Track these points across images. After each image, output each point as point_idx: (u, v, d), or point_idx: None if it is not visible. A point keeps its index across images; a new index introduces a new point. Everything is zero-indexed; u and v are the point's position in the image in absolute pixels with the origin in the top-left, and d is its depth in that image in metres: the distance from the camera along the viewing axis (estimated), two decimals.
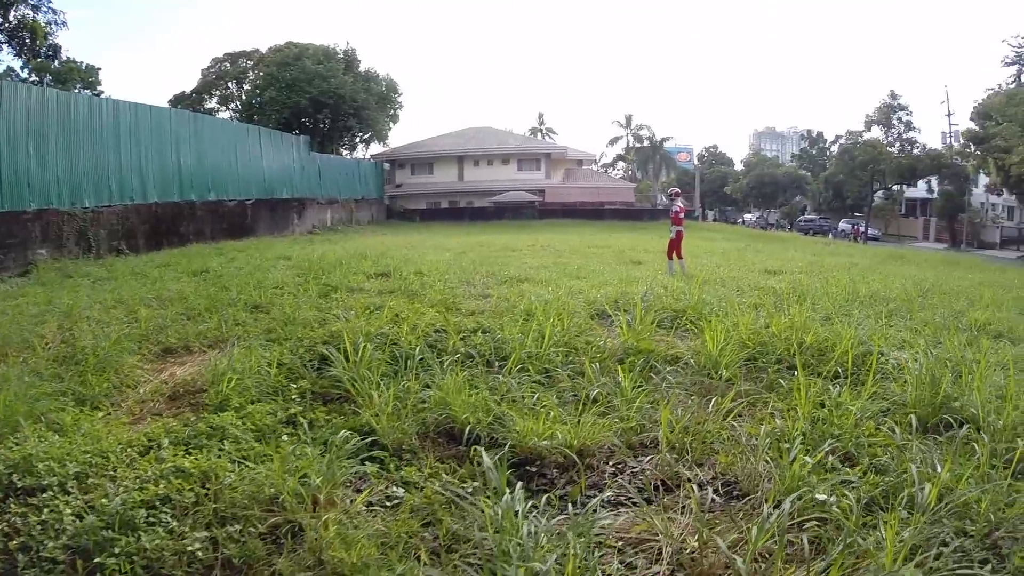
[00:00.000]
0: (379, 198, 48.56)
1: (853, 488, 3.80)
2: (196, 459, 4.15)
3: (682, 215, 15.60)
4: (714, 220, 73.53)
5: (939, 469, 3.87)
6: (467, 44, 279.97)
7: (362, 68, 49.12)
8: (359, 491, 4.10)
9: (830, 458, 4.21)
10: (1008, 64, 32.81)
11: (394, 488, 4.19)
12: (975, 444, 4.30)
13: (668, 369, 6.15)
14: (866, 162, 52.49)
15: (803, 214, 75.72)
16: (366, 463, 4.41)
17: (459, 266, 13.82)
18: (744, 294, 10.78)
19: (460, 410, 4.95)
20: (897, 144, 53.58)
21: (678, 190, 16.31)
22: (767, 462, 4.16)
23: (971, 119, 47.78)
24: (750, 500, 3.85)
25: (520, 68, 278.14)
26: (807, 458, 3.96)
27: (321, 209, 36.35)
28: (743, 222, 72.47)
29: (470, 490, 4.00)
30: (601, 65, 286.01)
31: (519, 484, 3.84)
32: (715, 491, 4.03)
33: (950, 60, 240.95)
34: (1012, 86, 33.23)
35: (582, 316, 8.33)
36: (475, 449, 4.40)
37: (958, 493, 3.63)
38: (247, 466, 4.13)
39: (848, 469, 4.16)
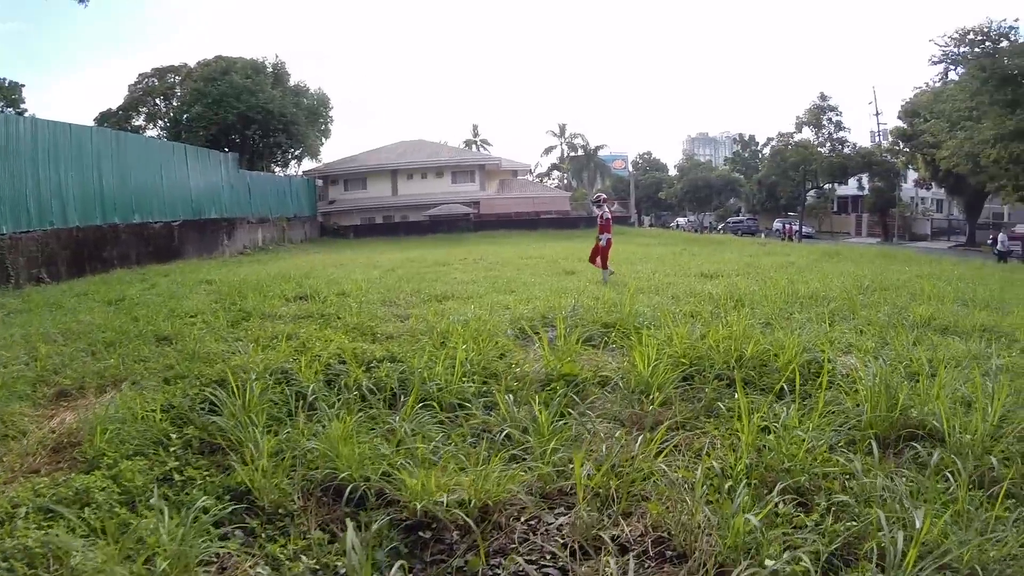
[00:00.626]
0: (312, 215, 47.32)
1: (810, 541, 3.13)
2: (47, 533, 3.41)
3: (599, 222, 14.87)
4: (650, 225, 74.00)
5: (907, 505, 3.23)
6: (400, 58, 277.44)
7: (292, 82, 47.94)
8: (223, 570, 3.38)
9: (780, 504, 3.53)
10: (935, 63, 33.35)
11: (260, 569, 3.38)
12: (947, 471, 3.69)
13: (591, 398, 5.47)
14: (798, 162, 53.53)
15: (736, 215, 77.54)
16: (237, 532, 3.68)
17: (385, 285, 13.26)
18: (680, 302, 10.22)
19: (345, 463, 4.15)
20: (828, 144, 54.90)
21: (604, 195, 15.50)
22: (706, 510, 3.46)
23: (899, 117, 50.28)
24: (687, 566, 3.13)
25: (454, 81, 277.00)
26: (750, 516, 3.25)
27: (252, 229, 34.99)
28: (677, 226, 73.15)
29: (343, 571, 3.27)
30: (535, 76, 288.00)
31: (397, 564, 3.06)
32: (644, 552, 3.31)
33: (877, 63, 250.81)
34: (939, 85, 34.26)
35: (506, 336, 7.71)
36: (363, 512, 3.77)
37: (936, 545, 2.98)
38: (98, 542, 3.37)
39: (802, 515, 3.49)
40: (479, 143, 80.00)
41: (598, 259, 14.48)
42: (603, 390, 5.65)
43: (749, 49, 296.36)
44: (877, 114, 56.90)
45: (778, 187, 60.02)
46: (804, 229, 55.19)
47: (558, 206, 55.74)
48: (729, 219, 73.12)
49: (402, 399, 5.46)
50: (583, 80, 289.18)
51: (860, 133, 58.01)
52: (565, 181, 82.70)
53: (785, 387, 5.42)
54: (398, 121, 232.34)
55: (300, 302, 10.95)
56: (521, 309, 9.42)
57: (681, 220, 77.25)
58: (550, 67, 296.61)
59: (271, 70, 46.53)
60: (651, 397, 5.29)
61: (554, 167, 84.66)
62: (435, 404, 5.25)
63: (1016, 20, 30.07)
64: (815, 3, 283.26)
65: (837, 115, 54.53)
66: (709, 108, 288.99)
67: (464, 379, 5.74)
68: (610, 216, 15.19)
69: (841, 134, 54.85)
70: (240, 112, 41.91)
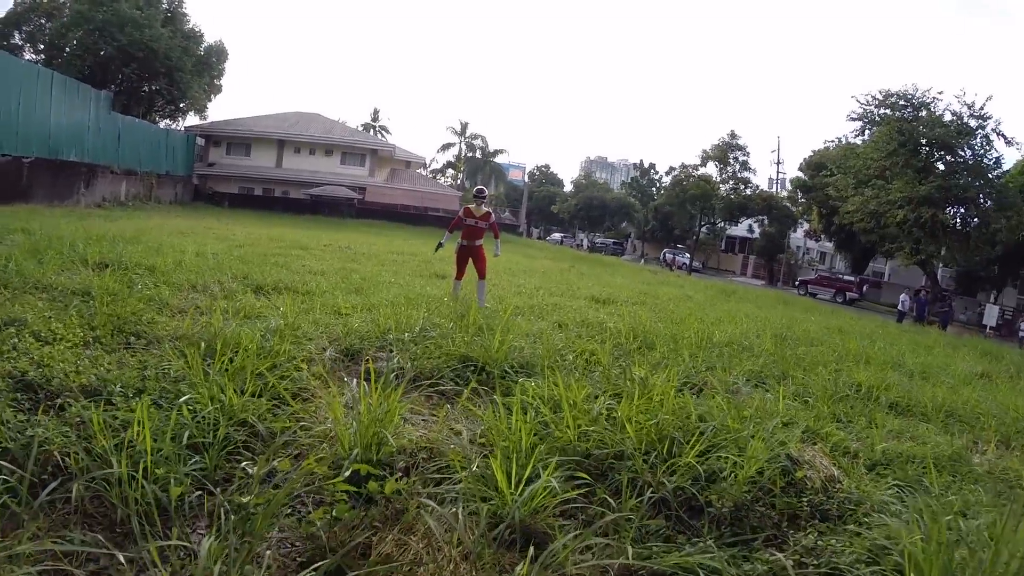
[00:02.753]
0: (187, 175, 43.15)
1: None
2: None
3: (481, 224, 10.30)
4: (537, 238, 72.93)
5: None
6: (316, 29, 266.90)
7: (189, 26, 43.17)
8: None
9: None
10: (853, 119, 33.57)
11: None
12: None
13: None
14: (698, 196, 53.33)
15: (627, 239, 78.51)
16: None
17: (213, 264, 11.03)
18: (568, 332, 7.94)
19: None
20: (731, 182, 54.97)
21: (484, 190, 11.59)
22: None
23: (800, 169, 50.99)
24: None
25: (364, 61, 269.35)
26: None
27: (116, 180, 30.93)
28: (542, 237, 72.85)
29: None
30: (444, 71, 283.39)
31: None
32: None
33: (779, 117, 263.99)
34: (855, 140, 34.88)
35: (324, 357, 5.54)
36: None
37: None
38: None
39: None
40: (378, 128, 76.42)
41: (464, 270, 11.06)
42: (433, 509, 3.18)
43: (655, 83, 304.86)
44: (778, 163, 58.06)
45: (673, 217, 59.83)
46: (691, 262, 55.37)
47: (447, 204, 53.42)
48: (596, 239, 73.59)
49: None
50: (492, 84, 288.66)
51: (759, 179, 59.91)
52: (459, 180, 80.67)
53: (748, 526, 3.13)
54: (302, 93, 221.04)
55: (99, 270, 8.95)
56: (356, 321, 6.92)
57: (556, 235, 76.65)
58: (461, 65, 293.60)
59: (165, 6, 41.69)
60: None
61: (449, 165, 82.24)
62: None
63: (940, 93, 31.43)
64: (723, 49, 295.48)
65: (744, 155, 54.66)
66: (610, 134, 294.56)
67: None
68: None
69: (745, 174, 55.05)
70: (121, 46, 37.02)
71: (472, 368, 5.53)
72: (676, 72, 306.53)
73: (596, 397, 4.77)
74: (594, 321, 9.17)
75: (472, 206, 10.23)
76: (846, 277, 45.41)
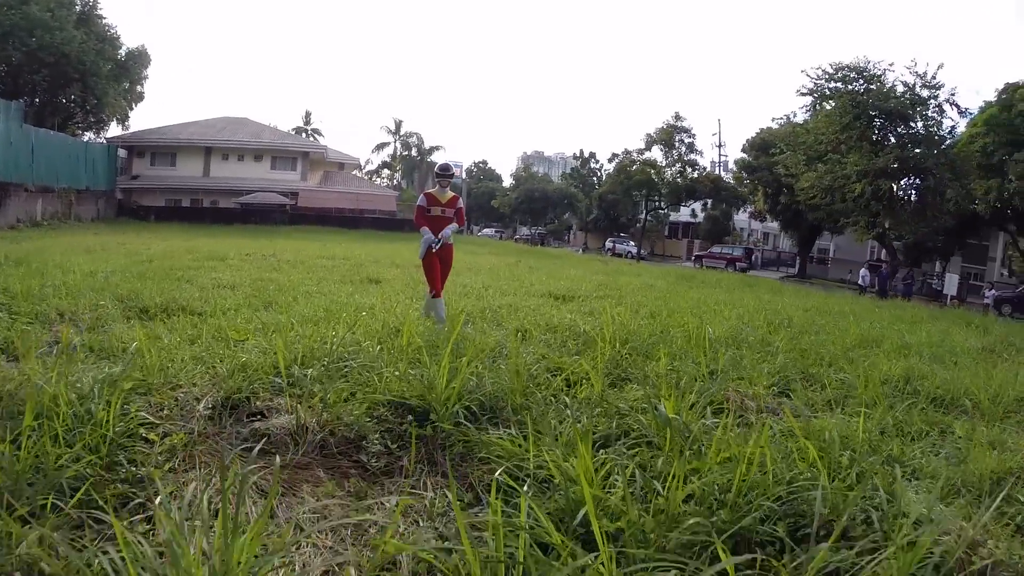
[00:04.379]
0: (110, 190, 40.61)
1: None
2: None
3: (448, 212, 8.05)
4: (479, 234, 71.36)
5: None
6: (239, 29, 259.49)
7: (105, 29, 40.25)
8: None
9: None
10: (803, 94, 32.79)
11: None
12: None
13: None
14: (643, 181, 52.40)
15: (569, 230, 78.13)
16: None
17: (105, 284, 9.31)
18: (535, 345, 6.24)
19: None
20: (677, 165, 53.84)
21: (451, 166, 8.45)
22: None
23: (743, 151, 50.39)
24: None
25: (293, 64, 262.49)
26: None
27: (30, 199, 28.79)
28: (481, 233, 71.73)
29: None
30: (377, 69, 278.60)
31: None
32: None
33: (719, 101, 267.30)
34: (807, 115, 34.47)
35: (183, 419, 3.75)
36: None
37: None
38: None
39: None
40: (310, 132, 74.23)
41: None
42: None
43: (589, 72, 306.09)
44: (720, 145, 57.31)
45: (618, 205, 58.83)
46: (634, 250, 54.93)
47: (384, 206, 51.63)
48: (525, 232, 73.80)
49: None
50: (426, 80, 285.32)
51: (704, 162, 58.83)
52: (395, 181, 78.46)
53: None
54: (230, 98, 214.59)
55: None
56: (252, 350, 5.08)
57: (488, 231, 75.48)
58: (394, 62, 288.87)
59: (79, 7, 38.61)
60: None
61: (385, 165, 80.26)
62: None
63: (892, 64, 31.23)
64: (660, 40, 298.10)
65: (690, 137, 53.50)
66: (546, 128, 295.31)
67: None
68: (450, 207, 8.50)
69: (692, 156, 53.92)
70: (30, 51, 34.05)
71: (411, 417, 3.85)
72: (611, 61, 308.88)
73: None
74: (562, 324, 7.51)
75: (434, 191, 7.97)
76: (735, 251, 48.49)
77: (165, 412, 3.78)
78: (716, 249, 50.04)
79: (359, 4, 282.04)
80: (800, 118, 36.16)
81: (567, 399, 4.18)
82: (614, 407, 4.05)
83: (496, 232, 74.35)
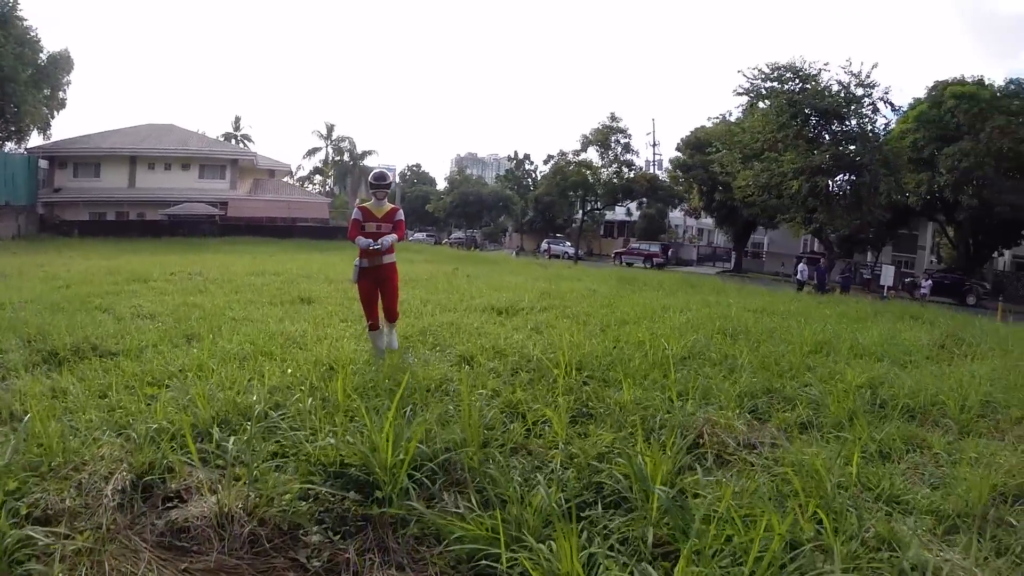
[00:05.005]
0: (30, 204, 38.57)
1: None
2: None
3: (386, 228, 6.89)
4: (411, 238, 70.26)
5: None
6: (163, 34, 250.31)
7: (25, 31, 38.12)
8: None
9: None
10: (740, 94, 33.29)
11: None
12: None
13: None
14: (579, 182, 52.44)
15: (504, 233, 78.31)
16: None
17: (10, 321, 8.34)
18: (483, 377, 5.72)
19: None
20: (614, 165, 53.95)
21: (387, 174, 7.31)
22: None
23: (678, 149, 50.92)
24: None
25: (222, 68, 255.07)
26: None
27: None
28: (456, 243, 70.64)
29: None
30: (308, 72, 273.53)
31: None
32: None
33: (651, 102, 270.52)
34: (743, 114, 35.50)
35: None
36: None
37: None
38: None
39: None
40: (240, 138, 71.89)
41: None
42: None
43: (521, 74, 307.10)
44: (654, 144, 57.72)
45: (555, 206, 58.75)
46: (570, 250, 54.84)
47: (317, 213, 50.60)
48: (458, 235, 73.90)
49: None
50: (358, 83, 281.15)
51: (639, 162, 58.90)
52: (327, 187, 77.01)
53: None
54: (156, 104, 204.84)
55: None
56: (168, 406, 4.46)
57: (419, 235, 74.41)
58: (325, 65, 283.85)
59: None
60: None
61: (317, 171, 78.45)
62: None
63: (827, 64, 32.25)
64: (594, 41, 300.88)
65: (625, 137, 53.64)
66: (479, 130, 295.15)
67: None
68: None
69: (628, 156, 54.11)
70: None
71: (354, 490, 3.30)
72: (545, 61, 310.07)
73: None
74: (509, 346, 7.03)
75: (370, 204, 6.92)
76: (652, 248, 49.55)
77: (67, 503, 3.14)
78: (635, 246, 51.06)
79: (288, 6, 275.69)
80: (735, 117, 36.86)
81: (529, 453, 3.68)
82: (584, 460, 3.57)
83: (429, 236, 73.68)
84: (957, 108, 33.12)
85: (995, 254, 40.74)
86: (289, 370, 5.43)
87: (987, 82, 35.17)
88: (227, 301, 11.16)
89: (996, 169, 31.71)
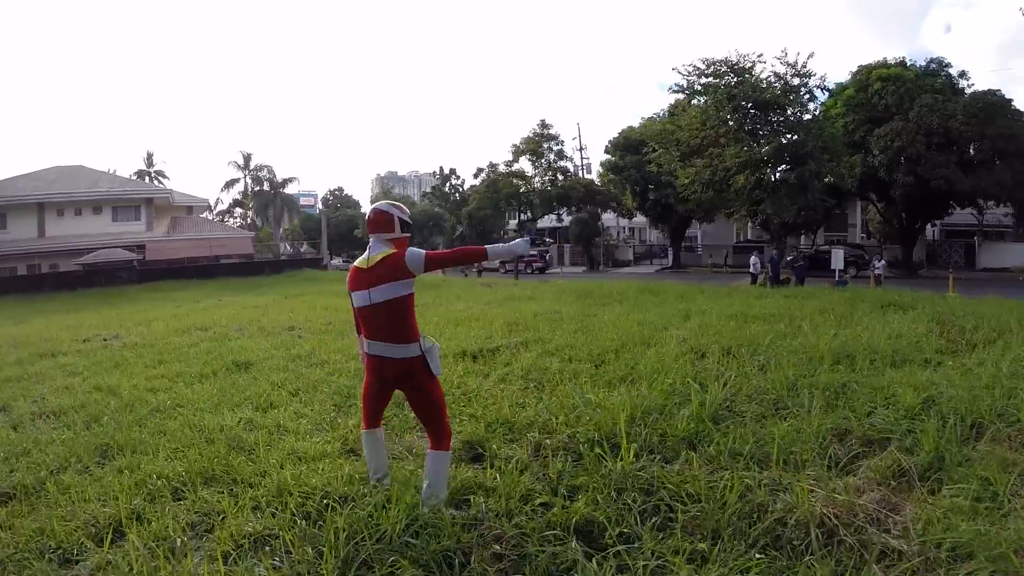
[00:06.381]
0: None
1: None
2: None
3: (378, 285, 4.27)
4: (346, 263, 67.64)
5: None
6: (65, 70, 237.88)
7: None
8: None
9: None
10: (675, 91, 34.40)
11: None
12: None
13: None
14: (513, 194, 51.92)
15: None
16: None
17: None
18: (510, 481, 4.79)
19: None
20: (548, 174, 54.04)
21: (386, 211, 4.30)
22: None
23: (606, 151, 50.95)
24: None
25: (130, 102, 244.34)
26: None
27: None
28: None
29: None
30: (219, 101, 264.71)
31: None
32: None
33: (577, 106, 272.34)
34: (666, 114, 36.46)
35: None
36: None
37: None
38: None
39: None
40: (154, 175, 68.85)
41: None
42: None
43: (440, 90, 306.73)
44: (581, 148, 57.58)
45: (488, 220, 57.96)
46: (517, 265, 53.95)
47: (240, 248, 48.51)
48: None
49: None
50: (271, 109, 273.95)
51: (572, 168, 58.85)
52: (249, 219, 74.45)
53: None
54: (62, 145, 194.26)
55: None
56: None
57: (336, 260, 71.67)
58: (236, 91, 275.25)
59: None
60: None
61: (237, 203, 75.56)
62: None
63: (761, 55, 31.87)
64: (511, 51, 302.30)
65: (558, 143, 53.86)
66: (397, 148, 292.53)
67: None
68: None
69: (562, 163, 54.31)
70: None
71: None
72: (460, 75, 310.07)
73: None
74: (521, 418, 6.08)
75: (360, 261, 4.34)
76: (531, 253, 48.86)
77: None
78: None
79: (193, 32, 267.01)
80: (664, 115, 37.79)
81: None
82: None
83: (345, 261, 71.19)
84: (884, 90, 34.88)
85: (929, 225, 42.55)
86: (249, 524, 4.05)
87: (908, 64, 37.43)
88: (149, 378, 9.25)
89: (927, 145, 33.07)
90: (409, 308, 4.17)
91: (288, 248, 67.85)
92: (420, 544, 3.56)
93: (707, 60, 31.74)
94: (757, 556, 3.30)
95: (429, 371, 4.15)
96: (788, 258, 30.28)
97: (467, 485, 4.48)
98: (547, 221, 62.14)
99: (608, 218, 62.34)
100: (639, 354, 8.71)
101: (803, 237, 42.45)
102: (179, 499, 4.54)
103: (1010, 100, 34.86)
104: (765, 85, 31.15)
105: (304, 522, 3.98)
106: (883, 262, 28.74)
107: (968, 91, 35.69)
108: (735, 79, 31.23)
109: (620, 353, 8.83)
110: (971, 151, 34.67)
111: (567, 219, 59.70)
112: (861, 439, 5.08)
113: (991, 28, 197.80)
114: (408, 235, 4.38)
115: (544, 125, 52.59)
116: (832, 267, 26.31)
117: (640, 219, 59.41)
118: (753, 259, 27.86)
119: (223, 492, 4.55)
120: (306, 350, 10.74)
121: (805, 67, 31.38)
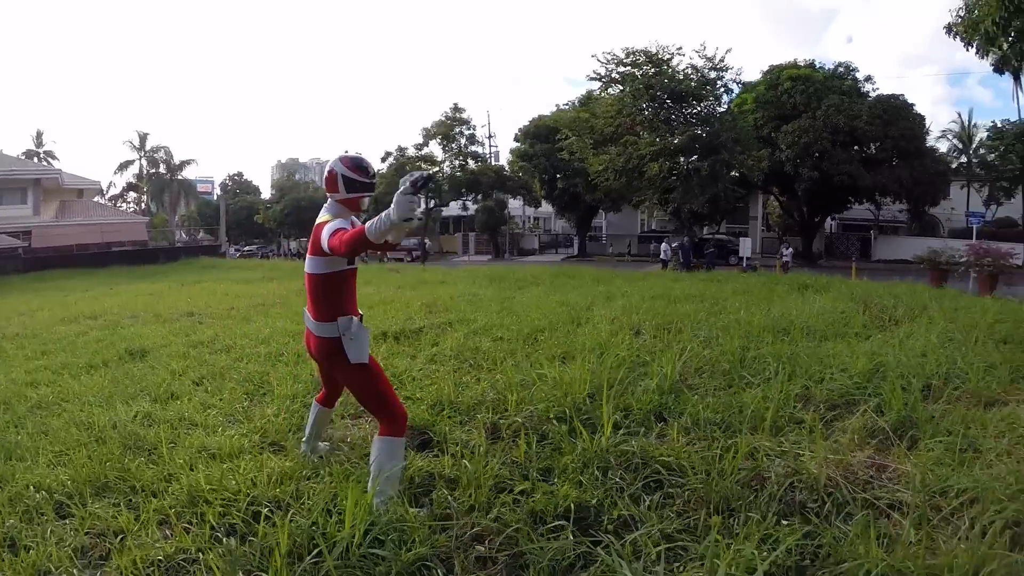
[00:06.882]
0: None
1: None
2: None
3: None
4: (241, 256, 63.93)
5: None
6: None
7: None
8: None
9: None
10: (593, 79, 34.80)
11: None
12: None
13: None
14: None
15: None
16: None
17: None
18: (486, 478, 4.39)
19: None
20: (459, 159, 53.35)
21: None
22: None
23: (516, 139, 50.89)
24: None
25: (17, 78, 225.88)
26: None
27: None
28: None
29: None
30: (114, 77, 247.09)
31: None
32: None
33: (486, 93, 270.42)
34: (577, 104, 37.32)
35: None
36: None
37: None
38: None
39: None
40: (43, 155, 64.15)
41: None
42: None
43: (341, 73, 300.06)
44: (490, 136, 57.17)
45: None
46: (422, 249, 53.38)
47: (134, 235, 45.91)
48: (294, 246, 69.03)
49: None
50: (169, 88, 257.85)
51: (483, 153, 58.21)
52: (143, 204, 70.98)
53: None
54: None
55: None
56: None
57: (232, 251, 68.94)
58: (132, 68, 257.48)
59: None
60: None
61: (131, 187, 71.85)
62: None
63: (680, 48, 33.99)
64: (414, 34, 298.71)
65: (470, 128, 53.13)
66: (299, 133, 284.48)
67: None
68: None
69: (474, 148, 53.76)
70: None
71: None
72: (360, 58, 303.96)
73: None
74: (466, 398, 5.66)
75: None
76: (410, 243, 47.53)
77: None
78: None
79: (89, 5, 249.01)
80: (576, 105, 38.52)
81: None
82: None
83: (258, 249, 69.29)
84: (794, 89, 36.95)
85: (828, 219, 45.34)
86: (156, 546, 3.30)
87: (817, 66, 40.08)
88: (30, 371, 8.09)
89: (833, 143, 35.14)
90: (322, 287, 3.71)
91: (184, 235, 64.19)
92: (388, 555, 2.97)
93: (627, 49, 32.52)
94: (784, 522, 3.06)
95: (346, 356, 3.69)
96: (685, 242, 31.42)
97: (421, 477, 4.00)
98: (453, 209, 61.61)
99: (515, 207, 62.30)
100: (571, 332, 8.48)
101: (706, 228, 43.68)
102: (64, 516, 3.77)
103: (912, 104, 37.92)
104: (682, 77, 32.20)
105: (230, 539, 3.27)
106: (791, 250, 30.30)
107: (873, 95, 38.19)
108: (653, 70, 32.12)
109: (551, 332, 8.54)
110: (873, 150, 37.11)
111: (472, 208, 59.40)
112: (826, 403, 5.08)
113: (890, 41, 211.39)
114: (360, 195, 3.78)
115: (457, 108, 51.82)
116: (740, 255, 27.26)
117: (546, 208, 59.68)
118: (664, 246, 28.97)
119: (120, 504, 3.79)
120: (208, 336, 9.84)
121: (723, 61, 32.72)
